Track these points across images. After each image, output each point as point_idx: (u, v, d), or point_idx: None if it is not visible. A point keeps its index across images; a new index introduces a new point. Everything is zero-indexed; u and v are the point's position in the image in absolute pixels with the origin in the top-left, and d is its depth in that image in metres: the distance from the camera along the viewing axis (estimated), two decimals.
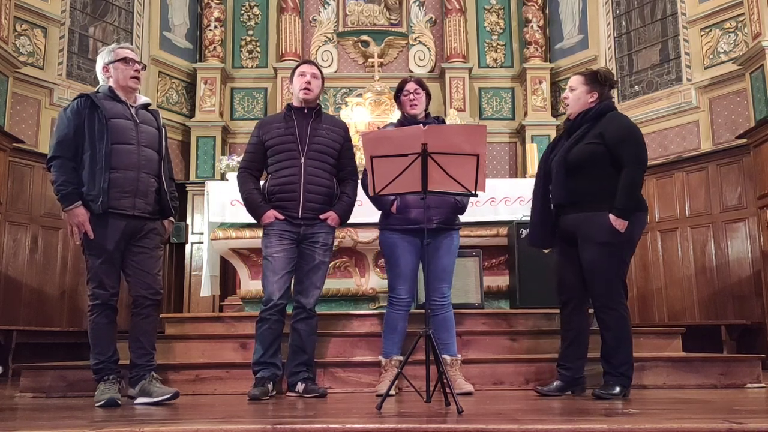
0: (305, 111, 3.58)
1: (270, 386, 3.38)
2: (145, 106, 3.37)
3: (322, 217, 3.50)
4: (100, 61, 3.34)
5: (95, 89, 3.37)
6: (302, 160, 3.47)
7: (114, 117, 3.18)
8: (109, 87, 3.27)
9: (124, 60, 3.28)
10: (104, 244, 3.12)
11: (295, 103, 3.63)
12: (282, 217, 3.47)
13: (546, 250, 3.60)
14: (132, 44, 7.95)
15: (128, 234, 3.18)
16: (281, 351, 3.52)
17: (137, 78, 3.31)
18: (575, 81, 3.41)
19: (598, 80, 3.36)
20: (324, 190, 3.52)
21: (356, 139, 7.20)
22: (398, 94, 3.64)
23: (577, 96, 3.37)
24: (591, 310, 3.41)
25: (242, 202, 3.67)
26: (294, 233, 3.48)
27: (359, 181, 3.65)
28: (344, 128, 3.71)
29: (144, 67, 3.43)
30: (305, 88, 3.54)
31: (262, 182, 3.63)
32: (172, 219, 3.41)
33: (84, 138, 3.13)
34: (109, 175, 3.10)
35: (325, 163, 3.54)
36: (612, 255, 3.19)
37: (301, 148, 3.49)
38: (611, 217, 3.14)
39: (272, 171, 3.55)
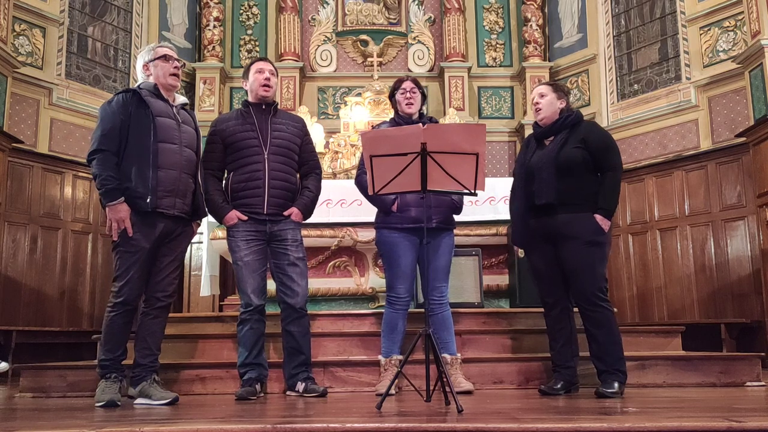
0: (263, 107, 3.53)
1: (258, 387, 3.37)
2: (183, 106, 3.36)
3: (285, 213, 3.46)
4: (141, 60, 3.33)
5: (137, 85, 3.32)
6: (265, 156, 3.42)
7: (159, 115, 3.17)
8: (154, 84, 3.25)
9: (164, 57, 3.26)
10: (142, 243, 3.10)
11: (252, 100, 3.57)
12: (245, 218, 3.42)
13: (521, 254, 3.64)
14: (131, 44, 7.96)
15: (164, 234, 3.18)
16: (266, 351, 3.51)
17: (177, 75, 3.29)
18: (544, 89, 3.52)
19: (562, 89, 3.53)
20: (288, 185, 3.49)
21: (355, 139, 7.24)
22: (394, 92, 3.64)
23: (549, 101, 3.46)
24: (576, 309, 3.43)
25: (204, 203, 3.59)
26: (260, 232, 3.43)
27: (356, 180, 3.63)
28: (302, 122, 3.68)
29: (183, 65, 3.41)
30: (265, 86, 3.50)
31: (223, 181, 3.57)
32: (198, 221, 3.40)
33: (128, 133, 3.10)
34: (157, 173, 3.09)
35: (288, 158, 3.51)
36: (599, 253, 3.31)
37: (263, 144, 3.44)
38: (597, 217, 3.28)
39: (235, 168, 3.48)
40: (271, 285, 3.58)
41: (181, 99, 3.37)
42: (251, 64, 3.61)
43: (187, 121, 3.31)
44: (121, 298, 3.10)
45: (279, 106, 3.66)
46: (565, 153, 3.33)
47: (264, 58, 3.71)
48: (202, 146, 3.45)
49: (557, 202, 3.31)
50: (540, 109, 3.47)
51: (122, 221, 3.07)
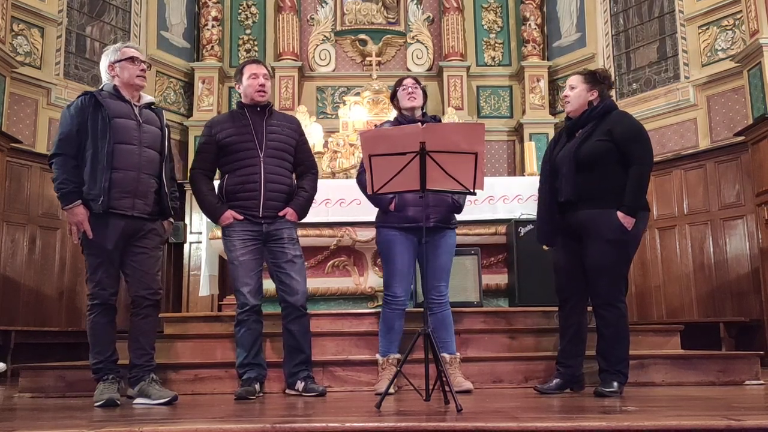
0: (258, 109, 3.54)
1: (257, 386, 3.37)
2: (149, 105, 3.36)
3: (280, 213, 3.47)
4: (105, 60, 3.32)
5: (99, 87, 3.35)
6: (261, 158, 3.43)
7: (117, 116, 3.16)
8: (114, 86, 3.26)
9: (131, 59, 3.27)
10: (103, 244, 3.12)
11: (246, 101, 3.57)
12: (240, 218, 3.43)
13: (545, 248, 3.61)
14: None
15: (128, 234, 3.18)
16: (265, 350, 3.52)
17: (143, 77, 3.30)
18: (575, 80, 3.44)
19: (597, 79, 3.41)
20: (284, 188, 3.50)
21: (354, 138, 7.23)
22: (395, 92, 3.64)
23: (578, 93, 3.39)
24: (589, 308, 3.41)
25: (198, 203, 3.60)
26: (256, 232, 3.44)
27: (357, 179, 3.63)
28: (297, 123, 3.69)
29: (149, 67, 3.41)
30: (261, 91, 3.50)
31: (217, 182, 3.58)
32: (171, 220, 3.40)
33: (86, 136, 3.12)
34: (111, 174, 3.09)
35: (284, 161, 3.52)
36: (619, 252, 3.22)
37: (259, 146, 3.45)
38: (620, 214, 3.18)
39: (230, 170, 3.49)
40: (269, 285, 3.58)
41: (147, 98, 3.36)
42: (243, 66, 3.61)
43: (150, 121, 3.30)
44: (96, 300, 3.15)
45: (278, 107, 3.67)
46: (587, 147, 3.25)
47: (256, 60, 3.70)
48: (193, 146, 3.45)
49: (576, 198, 3.24)
50: (569, 102, 3.41)
51: (80, 224, 3.10)
